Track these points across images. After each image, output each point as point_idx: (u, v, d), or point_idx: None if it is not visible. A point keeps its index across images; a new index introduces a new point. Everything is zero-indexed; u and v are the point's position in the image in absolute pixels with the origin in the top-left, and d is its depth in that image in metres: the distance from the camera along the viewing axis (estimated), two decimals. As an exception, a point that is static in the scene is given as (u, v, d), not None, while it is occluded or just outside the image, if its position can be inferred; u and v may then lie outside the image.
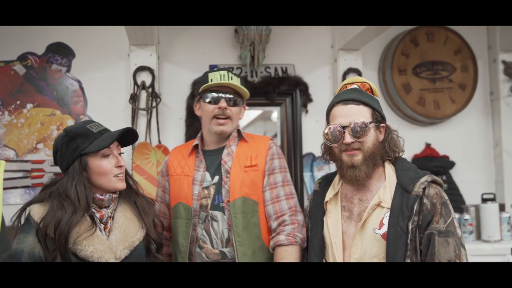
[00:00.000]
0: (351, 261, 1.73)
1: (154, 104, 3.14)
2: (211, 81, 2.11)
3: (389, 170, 1.79)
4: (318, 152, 3.33)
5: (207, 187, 2.10)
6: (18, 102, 3.16)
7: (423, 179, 1.70)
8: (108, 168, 1.74)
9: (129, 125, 3.08)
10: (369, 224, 1.72)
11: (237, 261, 2.00)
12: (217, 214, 2.07)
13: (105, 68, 3.26)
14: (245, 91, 2.17)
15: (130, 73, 3.15)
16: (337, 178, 1.89)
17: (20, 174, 3.10)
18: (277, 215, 2.06)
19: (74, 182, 1.67)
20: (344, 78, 3.32)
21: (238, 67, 3.35)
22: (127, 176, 1.85)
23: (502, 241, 3.05)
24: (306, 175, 3.37)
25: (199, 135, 2.24)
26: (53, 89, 3.20)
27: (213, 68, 3.29)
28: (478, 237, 3.13)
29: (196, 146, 2.19)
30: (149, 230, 1.82)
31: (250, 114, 3.61)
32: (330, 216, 1.84)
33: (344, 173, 1.78)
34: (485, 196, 3.14)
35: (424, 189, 1.68)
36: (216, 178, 2.11)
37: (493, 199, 3.12)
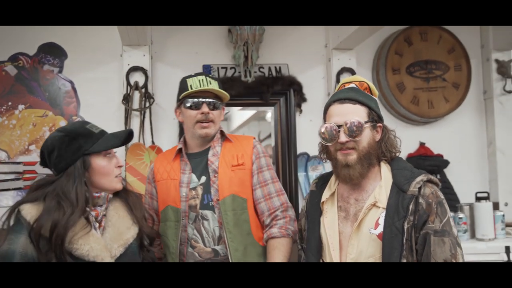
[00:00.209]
0: (347, 261, 1.72)
1: (147, 104, 3.12)
2: (191, 87, 2.15)
3: (385, 169, 1.78)
4: (312, 152, 3.38)
5: (194, 188, 2.14)
6: (10, 103, 3.13)
7: (418, 179, 1.69)
8: (111, 168, 1.76)
9: (122, 126, 3.08)
10: (365, 224, 1.71)
11: (229, 257, 2.05)
12: (207, 213, 2.11)
13: (97, 68, 3.24)
14: (225, 94, 2.21)
15: (123, 74, 3.13)
16: (333, 178, 1.89)
17: (12, 176, 3.07)
18: (270, 211, 2.15)
19: (76, 183, 1.66)
20: (338, 77, 3.32)
21: (232, 67, 3.34)
22: None
23: (496, 239, 3.06)
24: (301, 175, 3.36)
25: (181, 139, 2.28)
26: (45, 90, 3.17)
27: (207, 68, 3.30)
28: (472, 235, 3.14)
29: (180, 150, 2.23)
30: (141, 225, 1.84)
31: (244, 114, 3.61)
32: (327, 216, 1.83)
33: (338, 172, 1.78)
34: (479, 195, 3.14)
35: (419, 188, 1.67)
36: (203, 178, 2.15)
37: (487, 198, 3.12)
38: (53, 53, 3.19)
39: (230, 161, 2.15)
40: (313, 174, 3.36)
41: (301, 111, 3.40)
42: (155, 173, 2.26)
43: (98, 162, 1.73)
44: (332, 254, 1.77)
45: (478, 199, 3.12)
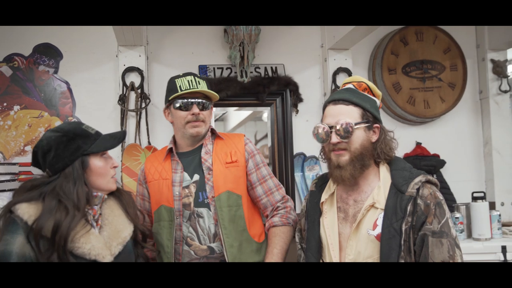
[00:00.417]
0: (346, 262, 1.72)
1: (143, 105, 3.12)
2: (180, 88, 2.14)
3: (384, 170, 1.78)
4: (308, 152, 3.38)
5: (187, 186, 2.14)
6: (5, 104, 3.12)
7: (417, 180, 1.68)
8: (107, 169, 1.77)
9: (118, 126, 3.08)
10: (364, 225, 1.71)
11: (224, 253, 2.05)
12: (202, 210, 2.10)
13: (93, 69, 3.23)
14: (214, 95, 2.20)
15: (119, 74, 3.12)
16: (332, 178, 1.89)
17: (7, 177, 3.05)
18: (273, 206, 2.21)
19: (76, 183, 1.66)
20: (334, 77, 3.33)
21: (228, 67, 3.33)
22: None
23: (492, 239, 3.06)
24: (297, 175, 3.36)
25: (171, 139, 2.27)
26: (40, 91, 3.16)
27: (203, 68, 3.29)
28: (469, 235, 3.14)
29: (170, 150, 2.22)
30: (136, 223, 1.85)
31: (240, 114, 3.60)
32: (326, 217, 1.83)
33: (332, 173, 1.79)
34: (476, 195, 3.14)
35: (418, 189, 1.66)
36: (196, 176, 2.15)
37: (483, 198, 3.12)
38: (48, 53, 3.19)
39: (224, 158, 2.16)
40: (310, 174, 3.36)
41: (297, 111, 3.40)
42: (146, 174, 2.25)
43: (96, 162, 1.73)
44: (332, 255, 1.77)
45: (475, 199, 3.12)
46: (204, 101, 2.16)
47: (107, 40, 3.18)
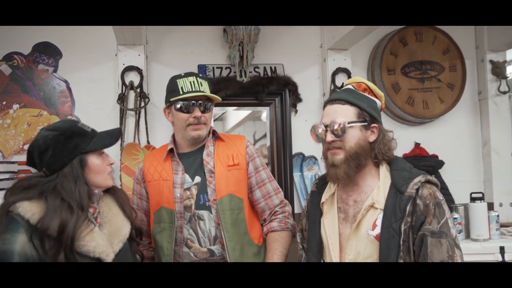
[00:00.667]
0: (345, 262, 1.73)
1: (142, 104, 3.12)
2: (182, 90, 2.10)
3: (384, 170, 1.77)
4: (307, 152, 3.38)
5: (188, 188, 2.12)
6: (4, 103, 3.12)
7: (416, 180, 1.68)
8: (105, 166, 1.77)
9: (117, 126, 3.06)
10: (363, 225, 1.71)
11: (227, 257, 2.04)
12: (203, 213, 2.09)
13: (92, 68, 3.23)
14: (217, 98, 2.16)
15: (118, 73, 3.12)
16: None
17: (6, 176, 3.05)
18: (270, 210, 2.19)
19: (77, 182, 1.65)
20: (333, 77, 3.33)
21: (227, 67, 3.34)
22: None
23: (490, 240, 3.06)
24: (296, 175, 3.36)
25: (171, 139, 2.24)
26: (40, 89, 3.17)
27: (202, 68, 3.29)
28: (467, 236, 3.14)
29: (170, 150, 2.20)
30: (132, 220, 1.85)
31: (240, 114, 3.60)
32: (327, 217, 1.83)
33: (327, 171, 1.81)
34: (474, 195, 3.14)
35: (417, 189, 1.66)
36: (198, 178, 2.13)
37: (481, 198, 3.13)
38: (47, 52, 3.19)
39: (226, 161, 2.14)
40: (309, 174, 3.37)
41: (296, 111, 3.40)
42: (145, 173, 2.22)
43: (94, 160, 1.73)
44: (332, 255, 1.77)
45: (473, 199, 3.13)
46: (206, 103, 2.13)
47: (107, 39, 3.18)
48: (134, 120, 3.11)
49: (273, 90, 3.31)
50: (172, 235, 2.07)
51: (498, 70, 3.56)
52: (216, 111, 3.41)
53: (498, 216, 3.13)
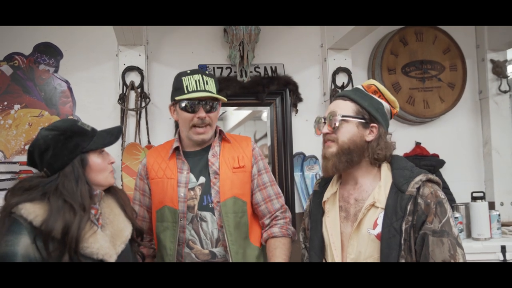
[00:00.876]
0: (347, 261, 1.72)
1: (143, 104, 3.12)
2: (187, 89, 2.04)
3: (385, 169, 1.77)
4: (308, 152, 3.38)
5: (192, 188, 2.09)
6: (6, 103, 3.13)
7: (417, 179, 1.67)
8: (105, 165, 1.76)
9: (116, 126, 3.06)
10: (364, 224, 1.71)
11: (229, 260, 2.03)
12: (206, 214, 2.06)
13: (93, 68, 3.24)
14: (223, 99, 2.12)
15: (119, 73, 3.12)
16: (335, 177, 1.89)
17: (8, 176, 3.06)
18: (270, 214, 2.15)
19: (78, 182, 1.64)
20: (334, 77, 3.33)
21: (228, 67, 3.34)
22: None
23: (491, 239, 3.06)
24: (297, 175, 3.36)
25: (176, 136, 2.20)
26: (41, 90, 3.17)
27: (202, 68, 3.29)
28: (468, 235, 3.14)
29: (176, 148, 2.16)
30: (133, 221, 1.84)
31: (240, 114, 3.61)
32: (329, 216, 1.83)
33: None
34: (475, 195, 3.14)
35: (418, 188, 1.65)
36: (202, 179, 2.10)
37: (482, 198, 3.12)
38: (48, 52, 3.20)
39: (231, 163, 2.10)
40: (309, 174, 3.37)
41: (297, 111, 3.40)
42: (148, 170, 2.18)
43: (95, 159, 1.72)
44: (334, 254, 1.77)
45: (474, 198, 3.12)
46: (211, 102, 2.08)
47: (107, 39, 3.18)
48: (135, 120, 3.11)
49: (273, 90, 3.31)
50: (175, 235, 2.05)
51: (498, 69, 3.55)
52: (217, 111, 3.41)
53: (499, 215, 3.12)
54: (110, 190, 1.84)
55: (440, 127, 3.63)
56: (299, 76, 3.42)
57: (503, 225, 3.23)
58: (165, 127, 3.25)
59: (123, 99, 3.09)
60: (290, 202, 3.24)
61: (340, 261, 1.75)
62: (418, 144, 3.54)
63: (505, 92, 3.56)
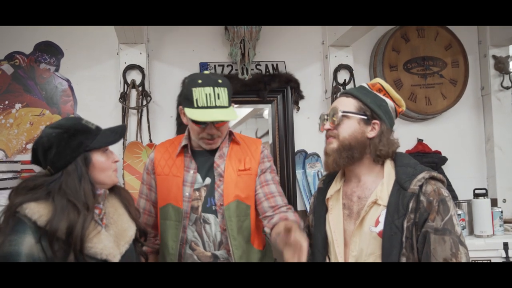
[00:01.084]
0: (350, 259, 1.72)
1: (144, 102, 3.12)
2: (196, 102, 1.92)
3: (389, 166, 1.76)
4: (310, 149, 3.38)
5: (198, 189, 2.06)
6: (7, 102, 3.13)
7: (420, 176, 1.66)
8: (109, 163, 1.74)
9: (120, 124, 3.06)
10: (367, 222, 1.70)
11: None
12: (210, 216, 2.04)
13: (94, 66, 3.24)
14: (232, 118, 1.99)
15: (120, 72, 3.12)
16: (339, 175, 1.89)
17: (9, 175, 3.06)
18: (273, 208, 2.04)
19: (81, 181, 1.64)
20: (335, 74, 3.33)
21: (229, 64, 3.33)
22: None
23: (494, 236, 3.05)
24: (298, 172, 3.36)
25: (186, 134, 2.14)
26: (41, 89, 3.17)
27: (203, 66, 3.29)
28: (471, 232, 3.13)
29: (185, 145, 2.12)
30: (137, 221, 1.84)
31: (241, 111, 3.60)
32: (332, 213, 1.83)
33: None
34: (477, 191, 3.13)
35: (421, 186, 1.64)
36: (208, 180, 2.07)
37: (485, 194, 3.11)
38: (49, 51, 3.20)
39: (237, 165, 2.07)
40: (311, 172, 3.36)
41: (298, 108, 3.40)
42: (155, 165, 2.14)
43: (98, 158, 1.70)
44: (337, 251, 1.77)
45: (476, 195, 3.11)
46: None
47: (108, 38, 3.18)
48: (136, 119, 3.11)
49: (275, 88, 3.31)
50: (178, 234, 2.03)
51: (501, 65, 3.54)
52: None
53: (501, 212, 3.12)
54: (114, 190, 1.83)
55: (442, 124, 3.62)
56: (300, 73, 3.41)
57: (506, 222, 3.23)
58: (167, 125, 3.25)
59: (124, 97, 3.09)
60: (291, 199, 3.24)
61: (343, 258, 1.75)
62: (420, 141, 3.53)
63: (507, 88, 3.55)
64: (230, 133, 2.16)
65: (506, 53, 3.59)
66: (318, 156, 3.37)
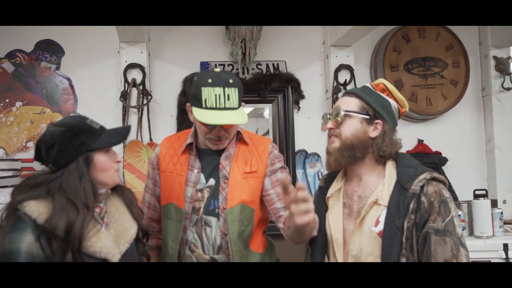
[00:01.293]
0: (349, 258, 1.73)
1: (145, 101, 3.12)
2: (205, 103, 1.84)
3: (390, 167, 1.77)
4: (310, 149, 3.38)
5: (200, 190, 2.01)
6: (7, 100, 3.13)
7: (421, 177, 1.66)
8: (111, 164, 1.74)
9: (120, 123, 3.08)
10: (367, 221, 1.70)
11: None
12: (211, 219, 1.99)
13: (95, 65, 3.24)
14: (242, 122, 1.88)
15: (121, 71, 3.12)
16: (340, 174, 1.90)
17: (10, 173, 3.07)
18: (286, 208, 1.93)
19: (82, 180, 1.63)
20: (336, 74, 3.33)
21: (230, 64, 3.33)
22: None
23: (494, 237, 3.05)
24: (299, 172, 3.36)
25: (192, 130, 2.07)
26: (42, 87, 3.17)
27: (204, 65, 3.29)
28: (471, 233, 3.13)
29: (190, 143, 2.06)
30: (139, 221, 1.82)
31: (242, 111, 3.60)
32: (332, 212, 1.83)
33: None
34: (477, 192, 3.13)
35: (422, 186, 1.64)
36: (212, 181, 2.02)
37: (485, 195, 3.11)
38: (50, 50, 3.20)
39: (243, 167, 2.00)
40: (311, 171, 3.36)
41: (299, 108, 3.40)
42: (160, 161, 2.10)
43: (100, 158, 1.70)
44: (336, 250, 1.77)
45: (477, 196, 3.11)
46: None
47: (109, 36, 3.18)
48: (136, 118, 3.12)
49: (275, 87, 3.31)
50: (178, 235, 1.99)
51: (501, 66, 3.54)
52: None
53: (501, 213, 3.11)
54: (117, 189, 1.82)
55: (442, 125, 3.62)
56: (301, 73, 3.41)
57: (506, 223, 3.22)
58: (167, 124, 3.25)
59: (124, 96, 3.09)
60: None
61: (342, 257, 1.75)
62: (420, 142, 3.53)
63: (508, 89, 3.55)
64: (238, 133, 2.08)
65: (507, 54, 3.59)
66: (319, 156, 3.37)
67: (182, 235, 1.99)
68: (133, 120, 3.12)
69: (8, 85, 3.14)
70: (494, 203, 3.34)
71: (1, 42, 3.14)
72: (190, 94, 1.96)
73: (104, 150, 1.72)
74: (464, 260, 1.58)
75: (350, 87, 3.29)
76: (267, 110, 3.44)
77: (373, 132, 1.77)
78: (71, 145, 1.65)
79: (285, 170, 2.11)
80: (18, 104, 3.14)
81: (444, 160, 3.48)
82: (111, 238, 1.67)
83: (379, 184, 1.75)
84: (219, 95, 1.85)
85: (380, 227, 1.66)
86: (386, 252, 1.62)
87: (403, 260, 1.60)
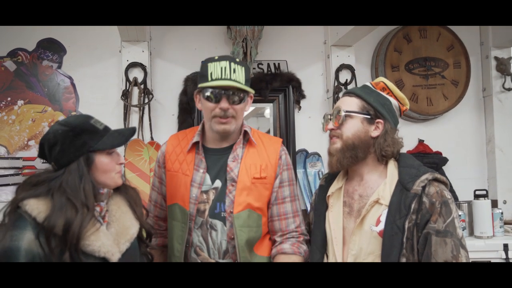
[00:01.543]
0: (349, 257, 1.73)
1: (146, 100, 3.12)
2: (211, 76, 1.85)
3: (392, 166, 1.77)
4: (311, 149, 3.38)
5: (206, 191, 1.95)
6: (9, 99, 3.14)
7: (423, 177, 1.66)
8: (113, 165, 1.72)
9: (121, 122, 3.08)
10: (367, 220, 1.70)
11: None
12: (217, 223, 1.93)
13: (96, 64, 3.24)
14: (249, 90, 1.90)
15: (122, 70, 3.13)
16: (341, 173, 1.89)
17: (11, 171, 3.07)
18: (282, 232, 1.99)
19: (82, 180, 1.63)
20: (337, 74, 3.33)
21: (231, 63, 3.33)
22: None
23: (494, 237, 3.05)
24: (299, 172, 3.36)
25: (199, 128, 2.03)
26: (44, 86, 3.18)
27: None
28: (471, 233, 3.13)
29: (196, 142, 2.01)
30: (141, 221, 1.81)
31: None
32: (332, 210, 1.83)
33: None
34: (478, 192, 3.13)
35: (424, 187, 1.64)
36: (217, 182, 1.95)
37: (485, 195, 3.11)
38: (52, 48, 3.20)
39: (252, 172, 1.93)
40: (312, 171, 3.37)
41: (300, 108, 3.40)
42: (166, 159, 2.04)
43: (102, 159, 1.69)
44: (335, 249, 1.77)
45: (477, 196, 3.11)
46: (237, 93, 1.87)
47: (111, 35, 3.18)
48: (138, 117, 3.12)
49: (276, 87, 3.31)
50: (183, 236, 1.94)
51: (502, 66, 3.54)
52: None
53: (502, 213, 3.12)
54: (121, 188, 1.81)
55: (443, 125, 3.62)
56: (302, 72, 3.41)
57: (506, 223, 3.23)
58: (168, 123, 3.25)
59: (126, 95, 3.09)
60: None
61: (341, 256, 1.75)
62: (421, 142, 3.53)
63: (509, 89, 3.55)
64: (246, 133, 2.01)
65: (508, 55, 3.59)
66: (319, 155, 3.37)
67: (187, 237, 1.94)
68: (134, 119, 3.13)
69: (10, 83, 3.14)
70: (494, 203, 3.35)
71: (3, 41, 3.15)
72: (198, 80, 1.96)
73: (107, 151, 1.71)
74: (464, 262, 1.58)
75: (351, 87, 3.29)
76: (268, 110, 3.44)
77: (375, 131, 1.77)
78: (73, 145, 1.65)
79: (293, 183, 2.05)
80: (20, 102, 3.14)
81: (445, 160, 3.48)
82: (111, 237, 1.67)
83: (380, 183, 1.74)
84: (225, 67, 1.85)
85: (381, 226, 1.66)
86: (386, 251, 1.62)
87: (403, 260, 1.61)
